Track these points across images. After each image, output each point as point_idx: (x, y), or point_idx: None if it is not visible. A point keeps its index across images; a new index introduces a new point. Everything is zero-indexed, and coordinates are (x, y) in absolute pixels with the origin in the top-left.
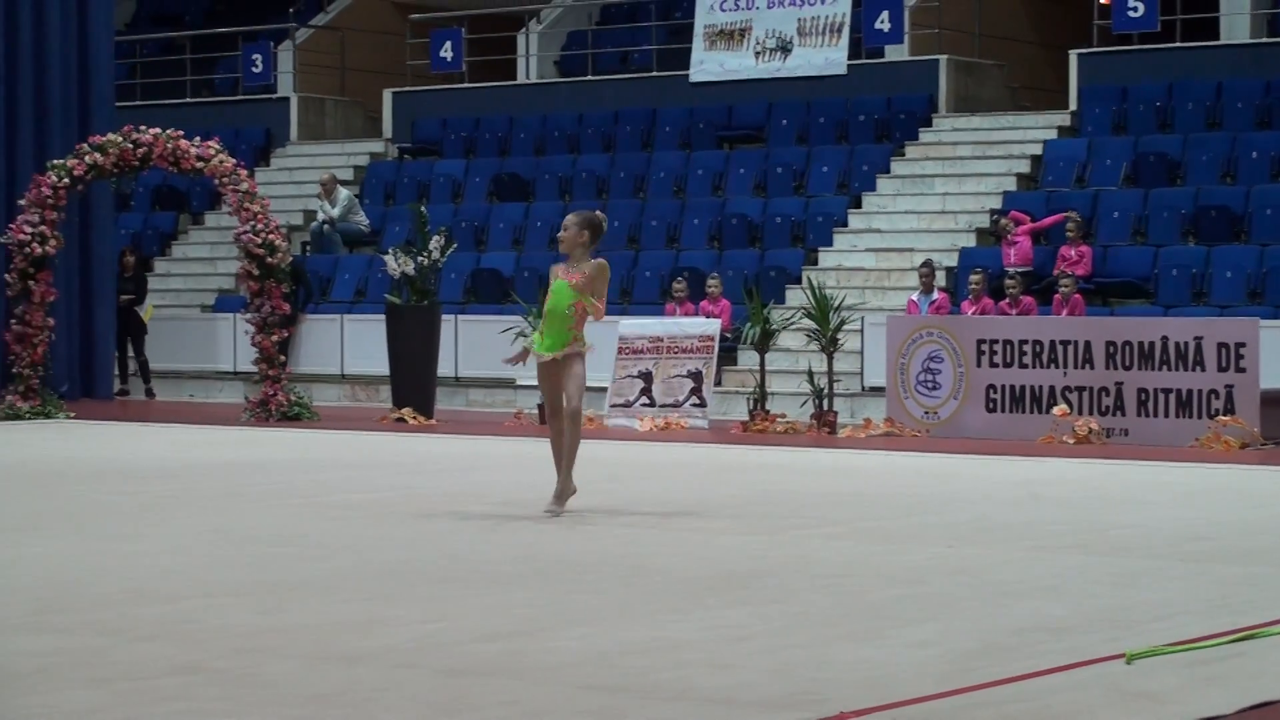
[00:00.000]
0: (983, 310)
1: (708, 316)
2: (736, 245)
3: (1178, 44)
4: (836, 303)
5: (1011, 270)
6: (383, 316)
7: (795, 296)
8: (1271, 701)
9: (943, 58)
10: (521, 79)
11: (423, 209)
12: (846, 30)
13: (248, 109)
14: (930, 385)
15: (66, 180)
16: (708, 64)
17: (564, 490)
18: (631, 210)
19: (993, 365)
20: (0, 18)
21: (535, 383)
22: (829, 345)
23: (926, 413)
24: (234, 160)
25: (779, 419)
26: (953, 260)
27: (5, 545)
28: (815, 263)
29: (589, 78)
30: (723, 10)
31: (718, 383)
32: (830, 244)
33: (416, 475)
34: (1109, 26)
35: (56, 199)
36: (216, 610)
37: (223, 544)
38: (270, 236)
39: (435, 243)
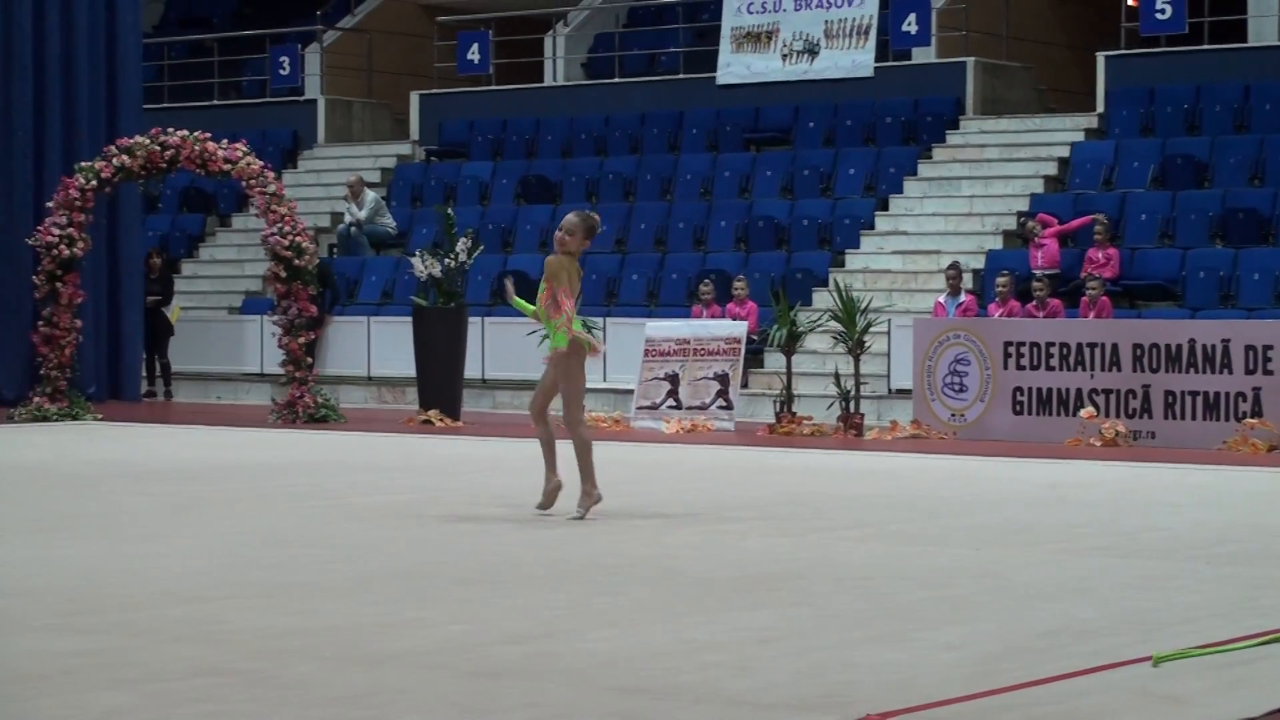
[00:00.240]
0: (1010, 312)
1: (734, 319)
2: (763, 247)
3: (1205, 46)
4: (863, 305)
5: (1038, 272)
6: (409, 318)
7: (822, 299)
8: None
9: (970, 60)
10: (549, 81)
11: (450, 211)
12: (873, 32)
13: (275, 111)
14: (957, 388)
15: (94, 182)
16: (735, 66)
17: (587, 493)
18: (658, 212)
19: (1019, 368)
20: (29, 21)
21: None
22: (856, 347)
23: (953, 415)
24: (261, 162)
25: (805, 421)
26: (980, 262)
27: (32, 546)
28: (842, 265)
29: (616, 80)
30: (750, 13)
31: (744, 385)
32: (857, 246)
33: (443, 477)
34: (1137, 28)
35: (84, 201)
36: (243, 612)
37: (249, 546)
38: (297, 238)
39: (462, 245)
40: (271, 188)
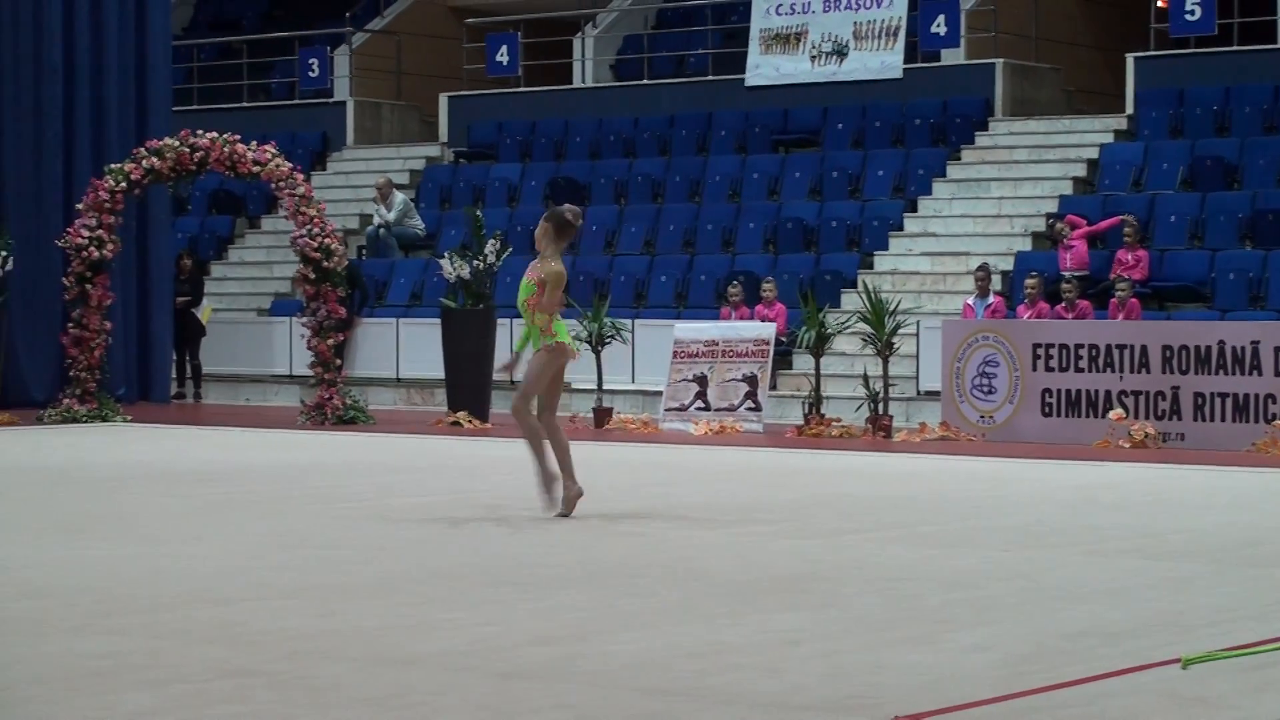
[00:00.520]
0: (1038, 314)
1: (763, 320)
2: (792, 249)
3: (1235, 47)
4: (892, 306)
5: (1067, 274)
6: (438, 320)
7: (850, 300)
8: None
9: (999, 61)
10: (577, 83)
11: (478, 213)
12: (902, 34)
13: (304, 113)
14: (986, 389)
15: (124, 184)
16: (763, 68)
17: (569, 491)
18: (687, 214)
19: (1048, 369)
20: (59, 23)
21: (591, 386)
22: (884, 349)
23: (982, 417)
24: (290, 164)
25: (834, 423)
26: (1008, 264)
27: (61, 547)
28: (871, 266)
29: (645, 82)
30: (779, 14)
31: (773, 387)
32: (886, 248)
33: (471, 479)
34: (1166, 30)
35: (114, 203)
36: (271, 613)
37: (278, 547)
38: (326, 240)
39: (491, 246)
40: (300, 189)
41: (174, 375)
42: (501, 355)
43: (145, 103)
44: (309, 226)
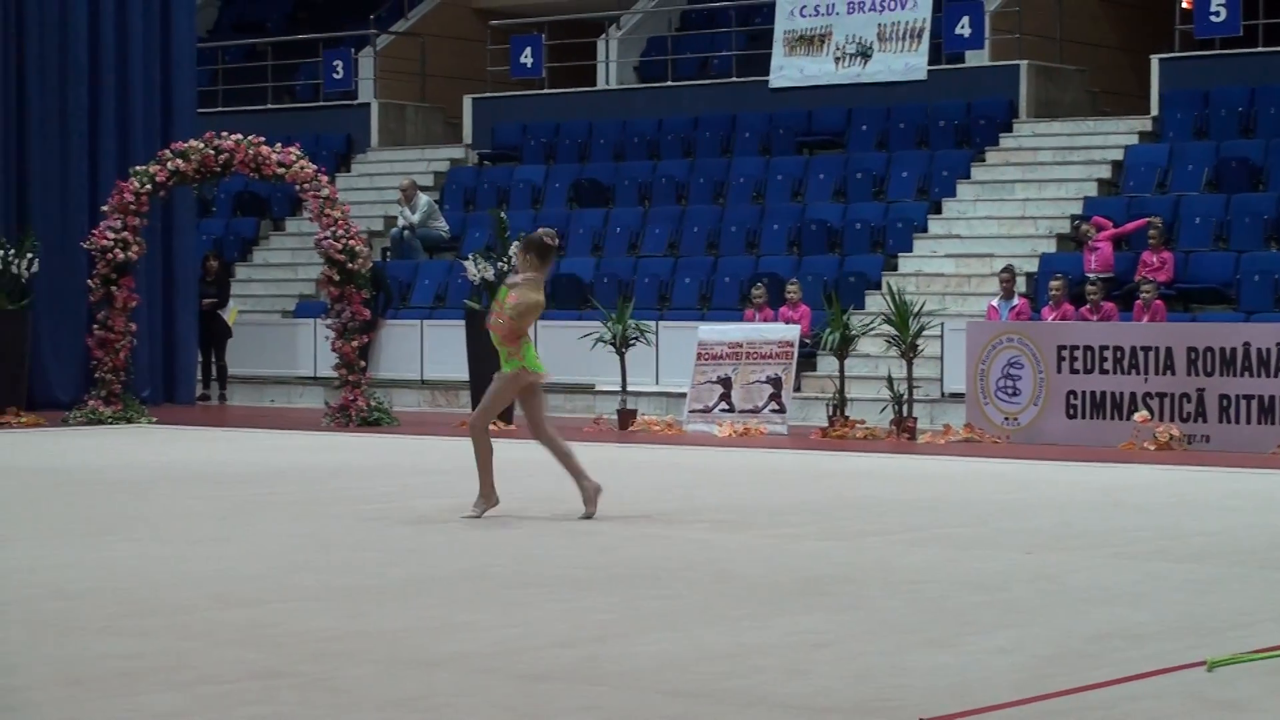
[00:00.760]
0: (1063, 316)
1: (787, 322)
2: (816, 251)
3: (1260, 49)
4: (916, 308)
5: (1092, 276)
6: (462, 322)
7: (875, 302)
8: None
9: (1023, 63)
10: (601, 85)
11: (502, 215)
12: (927, 35)
13: (329, 115)
14: (1010, 391)
15: (149, 186)
16: (788, 70)
17: (586, 490)
18: (711, 216)
19: (1073, 371)
20: (84, 25)
21: (616, 388)
22: (909, 351)
23: (1006, 419)
24: (315, 166)
25: (858, 425)
26: (1033, 266)
27: (87, 549)
28: (895, 268)
29: (669, 83)
30: (803, 16)
31: (797, 388)
32: (910, 250)
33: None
34: (1191, 31)
35: (139, 205)
36: (296, 615)
37: (302, 549)
38: (351, 242)
39: (515, 248)
40: (325, 191)
41: (199, 377)
42: None
43: (170, 105)
44: (333, 228)
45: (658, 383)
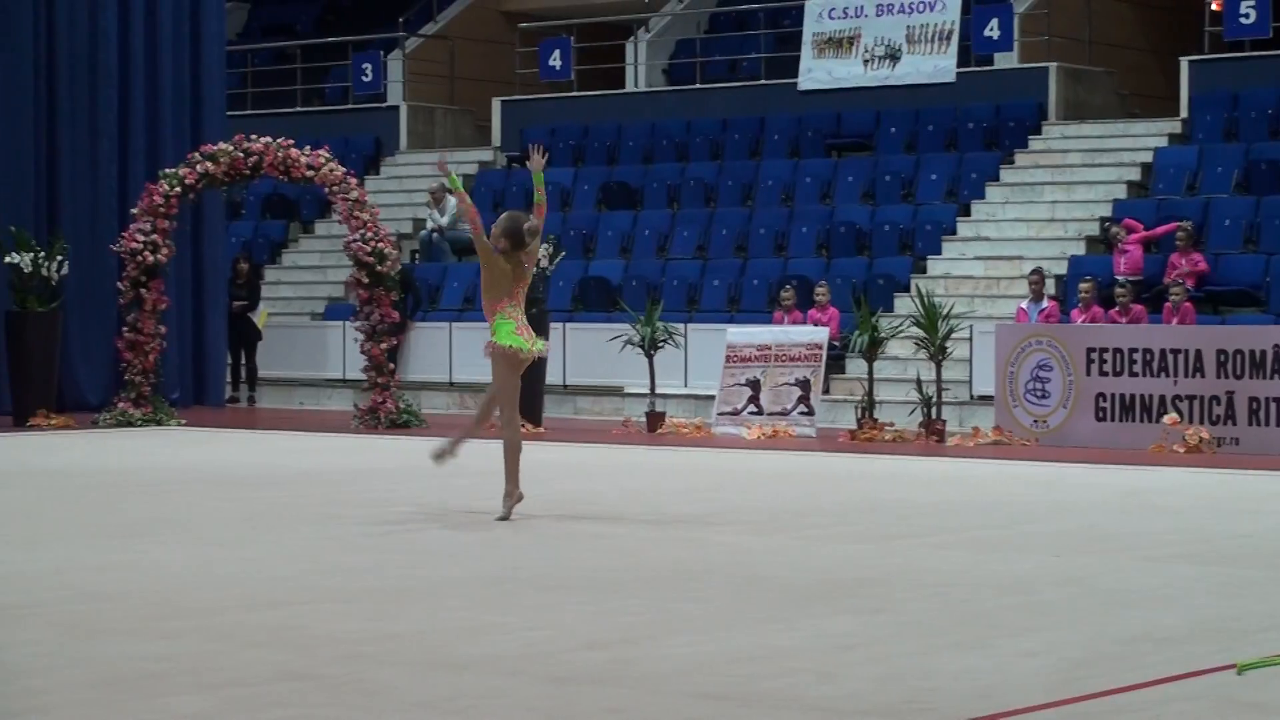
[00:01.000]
0: (1093, 318)
1: (816, 325)
2: (845, 253)
3: None
4: (945, 311)
5: (1122, 278)
6: None
7: (904, 304)
8: None
9: (1052, 65)
10: (630, 87)
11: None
12: (955, 38)
13: (357, 118)
14: (1039, 394)
15: (178, 189)
16: (816, 72)
17: (509, 493)
18: (739, 218)
19: (1102, 374)
20: (114, 28)
21: (645, 391)
22: (937, 353)
23: (1036, 421)
24: (344, 169)
25: (887, 427)
26: (1062, 268)
27: (116, 551)
28: (924, 271)
29: (697, 86)
30: (831, 18)
31: (825, 391)
32: (939, 252)
33: (524, 483)
34: (1220, 33)
35: (168, 207)
36: (324, 617)
37: (331, 551)
38: (380, 245)
39: (544, 251)
40: (354, 194)
41: (228, 379)
42: (555, 359)
43: (199, 107)
44: (362, 231)
45: (686, 385)
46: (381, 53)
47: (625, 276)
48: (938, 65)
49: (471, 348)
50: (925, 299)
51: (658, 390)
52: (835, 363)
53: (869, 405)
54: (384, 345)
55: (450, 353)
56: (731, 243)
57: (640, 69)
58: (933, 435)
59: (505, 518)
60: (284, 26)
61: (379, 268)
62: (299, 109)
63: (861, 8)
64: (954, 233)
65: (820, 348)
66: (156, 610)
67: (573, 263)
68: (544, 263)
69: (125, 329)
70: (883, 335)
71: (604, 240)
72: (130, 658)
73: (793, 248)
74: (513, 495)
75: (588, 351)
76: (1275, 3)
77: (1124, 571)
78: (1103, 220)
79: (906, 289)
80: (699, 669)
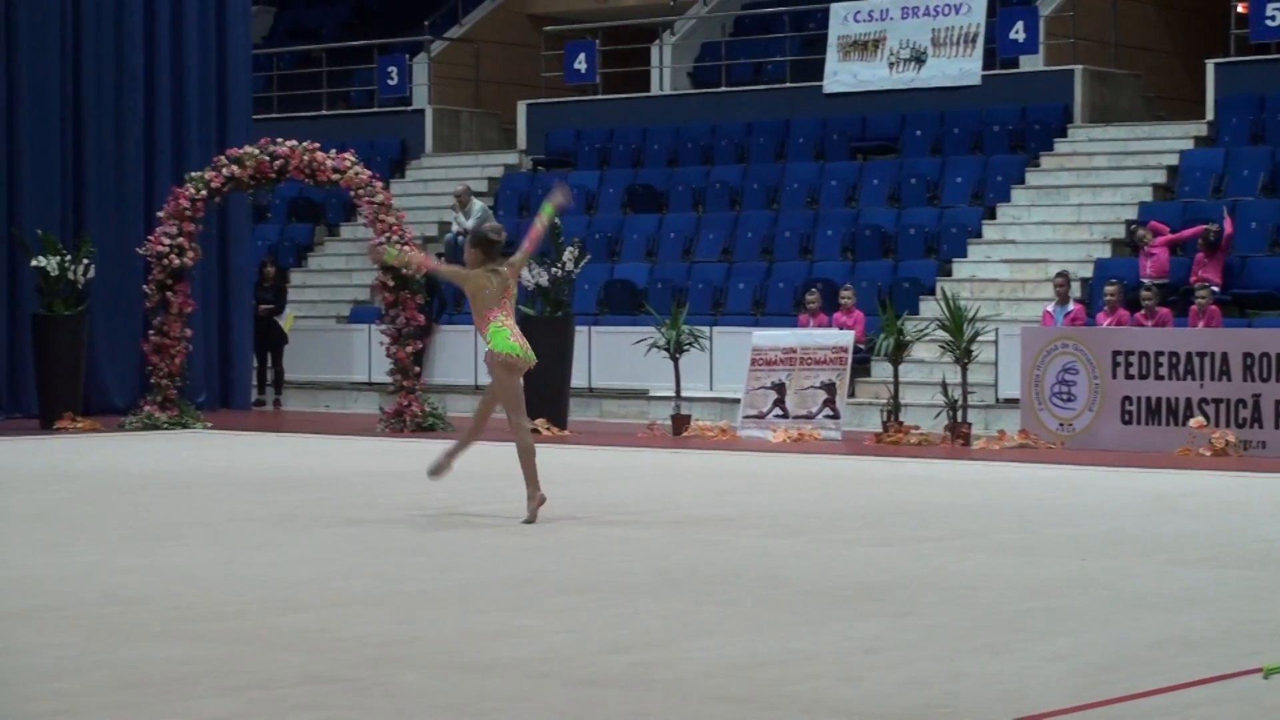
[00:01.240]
0: (1118, 321)
1: (841, 328)
2: (870, 256)
3: None
4: (970, 314)
5: (1147, 281)
6: None
7: (929, 308)
8: None
9: (1078, 68)
10: (655, 90)
11: (557, 220)
12: (981, 40)
13: (383, 121)
14: (1065, 397)
15: (204, 192)
16: (841, 75)
17: (531, 496)
18: (765, 221)
19: (1128, 377)
20: (139, 31)
21: (670, 394)
22: (963, 356)
23: (1061, 424)
24: (369, 172)
25: (912, 430)
26: (1088, 271)
27: (142, 554)
28: (949, 274)
29: (722, 89)
30: (857, 21)
31: (851, 394)
32: (964, 255)
33: (549, 486)
34: (1246, 35)
35: (194, 211)
36: (349, 620)
37: (356, 554)
38: (405, 248)
39: (569, 254)
40: (379, 197)
41: (255, 382)
42: (580, 362)
43: (225, 111)
44: (388, 234)
45: (712, 388)
46: (407, 56)
47: (650, 279)
48: (963, 68)
49: None
50: (950, 302)
51: (683, 393)
52: (860, 366)
53: (894, 408)
54: (409, 348)
55: (475, 356)
56: (757, 246)
57: (665, 72)
58: (958, 439)
59: (531, 521)
60: (309, 30)
61: (404, 271)
62: (324, 112)
63: (887, 10)
64: (979, 236)
65: (845, 351)
66: (182, 613)
67: (598, 266)
68: (569, 266)
69: (151, 332)
70: (908, 338)
71: (629, 243)
72: (157, 660)
73: (818, 251)
74: (535, 498)
75: (613, 354)
76: None
77: (1150, 575)
78: (1128, 223)
79: (932, 292)
80: (724, 672)
